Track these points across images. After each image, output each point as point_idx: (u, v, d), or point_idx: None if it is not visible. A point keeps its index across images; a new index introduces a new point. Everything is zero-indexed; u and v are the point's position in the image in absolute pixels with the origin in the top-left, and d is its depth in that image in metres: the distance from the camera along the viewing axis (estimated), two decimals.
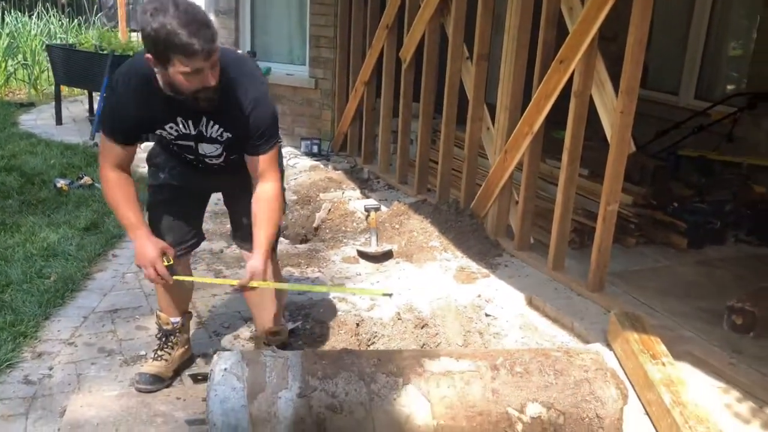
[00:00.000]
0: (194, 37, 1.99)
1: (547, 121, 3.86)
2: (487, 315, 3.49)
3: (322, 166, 5.92)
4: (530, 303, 3.62)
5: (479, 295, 3.63)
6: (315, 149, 6.39)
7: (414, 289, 3.68)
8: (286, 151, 6.43)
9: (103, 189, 2.39)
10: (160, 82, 2.16)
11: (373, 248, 4.12)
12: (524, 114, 3.93)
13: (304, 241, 4.91)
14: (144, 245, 2.35)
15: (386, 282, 3.77)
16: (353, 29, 5.88)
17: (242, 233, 2.69)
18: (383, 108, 5.53)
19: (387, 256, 4.07)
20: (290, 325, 3.15)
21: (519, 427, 2.24)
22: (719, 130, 5.26)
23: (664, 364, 2.66)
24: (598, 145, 3.98)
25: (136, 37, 10.28)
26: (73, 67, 6.77)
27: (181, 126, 2.33)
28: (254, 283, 2.36)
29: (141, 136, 2.41)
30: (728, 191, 4.71)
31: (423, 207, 4.61)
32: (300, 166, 5.94)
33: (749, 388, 2.79)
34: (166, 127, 2.33)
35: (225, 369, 2.22)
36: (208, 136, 2.37)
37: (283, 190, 2.64)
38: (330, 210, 5.02)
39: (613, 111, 3.41)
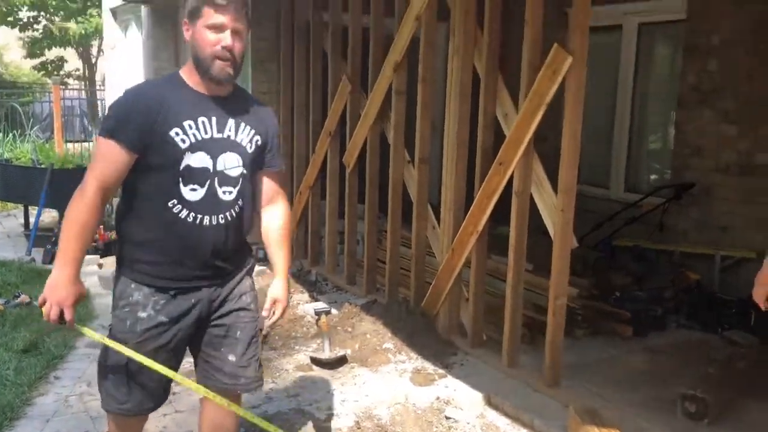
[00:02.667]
0: None
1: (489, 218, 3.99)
2: (447, 418, 3.46)
3: (269, 270, 5.88)
4: (489, 402, 3.61)
5: (438, 398, 3.60)
6: (261, 254, 6.34)
7: (371, 395, 3.63)
8: None
9: (72, 203, 2.08)
10: (190, 61, 2.21)
11: (326, 354, 4.06)
12: (468, 213, 4.06)
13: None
14: (65, 283, 2.04)
15: (342, 389, 3.70)
16: (296, 137, 6.01)
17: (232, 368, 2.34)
18: (329, 210, 5.61)
19: (341, 361, 4.01)
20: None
21: None
22: (650, 221, 5.53)
23: None
24: (538, 239, 4.12)
25: (72, 148, 10.23)
26: (9, 181, 6.65)
27: (202, 127, 2.16)
28: (184, 382, 2.17)
29: (150, 143, 2.10)
30: (666, 279, 4.90)
31: (374, 307, 4.61)
32: None
33: None
34: (185, 124, 2.13)
35: None
36: (236, 140, 2.22)
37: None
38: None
39: (553, 208, 3.57)
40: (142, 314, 2.20)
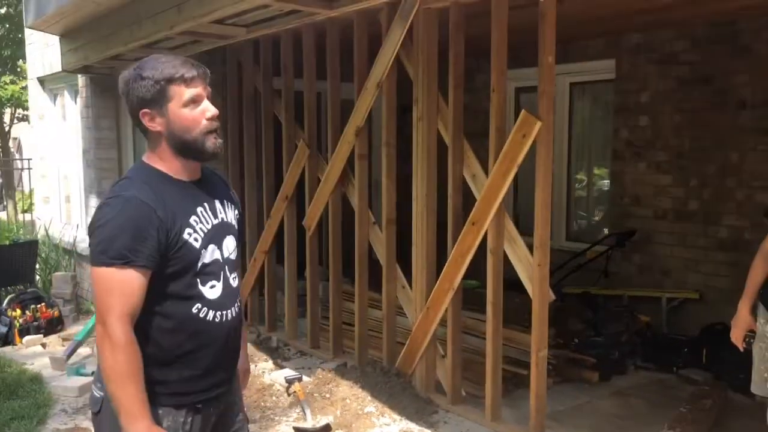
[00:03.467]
0: (186, 64, 1.93)
1: None
2: None
3: None
4: None
5: None
6: None
7: None
8: None
9: (108, 352, 1.79)
10: (165, 148, 1.95)
11: (309, 423, 4.02)
12: (443, 272, 4.17)
13: None
14: None
15: None
16: (247, 203, 6.00)
17: None
18: (288, 274, 5.60)
19: (326, 429, 3.97)
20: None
21: None
22: (595, 267, 5.82)
23: None
24: (506, 294, 4.27)
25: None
26: None
27: (203, 218, 1.98)
28: None
29: (166, 255, 1.87)
30: (620, 323, 5.15)
31: (348, 372, 4.61)
32: None
33: None
34: (192, 221, 1.94)
35: None
36: (228, 220, 2.08)
37: None
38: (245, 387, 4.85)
39: (528, 264, 3.73)
40: None
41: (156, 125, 1.94)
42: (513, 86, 6.67)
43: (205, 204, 2.01)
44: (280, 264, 5.73)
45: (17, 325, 5.81)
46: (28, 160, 10.38)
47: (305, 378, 4.69)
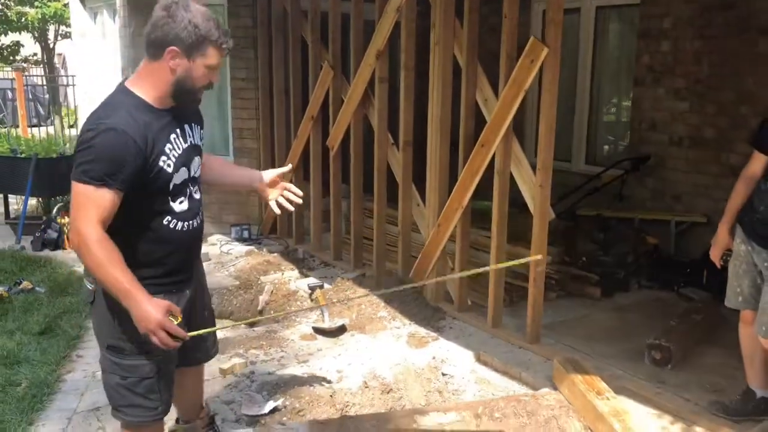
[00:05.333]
0: (226, 35, 2.20)
1: None
2: (443, 374, 3.86)
3: (256, 250, 6.19)
4: (479, 359, 4.02)
5: (433, 357, 4.00)
6: (246, 234, 6.64)
7: (374, 358, 4.00)
8: (216, 238, 6.65)
9: (85, 250, 2.08)
10: (166, 84, 2.19)
11: (327, 324, 4.42)
12: (453, 192, 4.43)
13: (251, 324, 5.13)
14: (146, 309, 2.08)
15: (346, 354, 4.07)
16: (276, 122, 6.28)
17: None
18: (313, 191, 5.92)
19: (342, 330, 4.37)
20: (271, 404, 3.39)
21: None
22: (610, 191, 6.01)
23: (608, 398, 3.12)
24: (511, 212, 4.52)
25: (38, 133, 10.22)
26: None
27: (176, 145, 2.26)
28: None
29: (143, 179, 2.16)
30: (627, 244, 5.39)
31: (365, 281, 4.98)
32: (235, 252, 6.18)
33: (677, 412, 3.30)
34: (167, 149, 2.21)
35: None
36: (196, 142, 2.37)
37: None
38: (273, 291, 5.28)
39: (531, 185, 3.97)
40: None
41: (174, 65, 2.16)
42: (541, 9, 6.70)
43: (177, 130, 2.28)
44: (307, 181, 6.05)
45: (66, 231, 6.29)
46: (73, 76, 10.77)
47: (326, 285, 5.08)
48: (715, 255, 3.26)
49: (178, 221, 2.31)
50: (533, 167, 3.99)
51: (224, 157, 6.87)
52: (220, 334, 4.38)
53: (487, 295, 4.51)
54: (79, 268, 5.73)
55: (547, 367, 3.81)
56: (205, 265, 5.81)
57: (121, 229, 2.17)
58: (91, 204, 2.08)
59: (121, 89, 2.25)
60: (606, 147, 6.84)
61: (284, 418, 3.31)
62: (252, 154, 6.65)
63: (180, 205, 2.30)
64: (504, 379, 3.83)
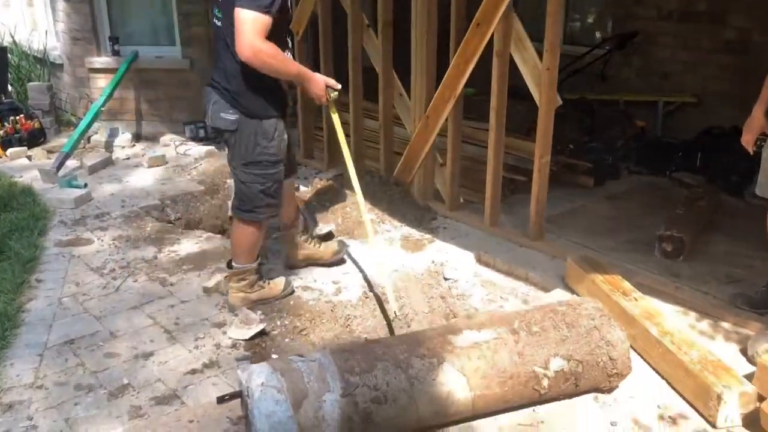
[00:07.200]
0: None
1: None
2: (446, 279, 3.60)
3: (216, 150, 5.69)
4: (479, 260, 3.77)
5: (432, 261, 3.73)
6: (201, 133, 6.10)
7: (369, 265, 3.70)
8: (170, 138, 6.10)
9: (265, 57, 2.74)
10: None
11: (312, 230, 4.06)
12: (444, 79, 4.01)
13: (222, 232, 4.74)
14: (320, 79, 3.05)
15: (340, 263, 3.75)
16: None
17: None
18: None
19: (329, 236, 4.03)
20: (261, 326, 3.06)
21: (545, 382, 2.38)
22: (592, 72, 5.68)
23: (636, 299, 2.92)
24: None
25: None
26: None
27: None
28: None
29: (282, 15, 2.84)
30: (616, 129, 5.13)
31: (347, 181, 4.58)
32: (194, 153, 5.66)
33: (700, 307, 3.14)
34: None
35: (262, 383, 2.15)
36: None
37: None
38: None
39: (535, 68, 3.58)
40: (285, 136, 3.11)
41: None
42: None
43: None
44: None
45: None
46: None
47: (302, 188, 4.69)
48: (748, 140, 3.00)
49: (288, 54, 2.98)
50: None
51: (171, 49, 6.22)
52: (195, 248, 4.02)
53: (479, 191, 4.23)
54: (21, 178, 5.16)
55: (555, 266, 3.60)
56: (162, 169, 5.38)
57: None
58: (260, 26, 2.70)
59: None
60: (585, 24, 6.43)
61: (286, 340, 3.01)
62: (202, 43, 5.99)
63: (288, 44, 3.04)
64: (509, 280, 3.60)
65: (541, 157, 3.69)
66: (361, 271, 3.63)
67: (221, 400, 2.28)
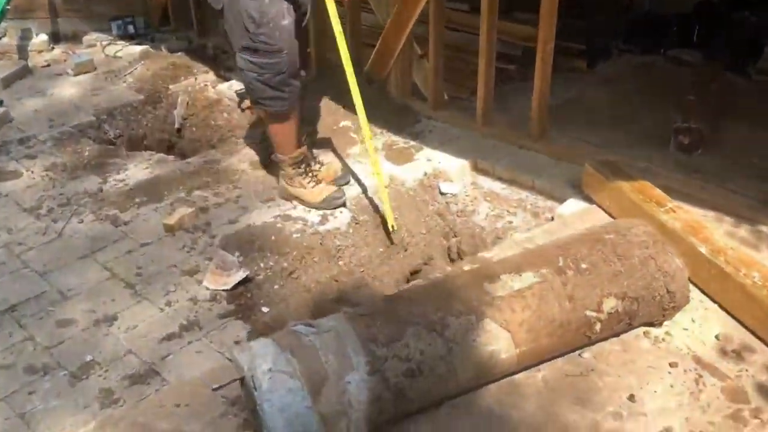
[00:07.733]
0: None
1: None
2: (442, 194, 3.18)
3: (152, 50, 4.94)
4: (476, 168, 3.35)
5: (425, 173, 3.29)
6: (131, 29, 5.29)
7: (353, 184, 3.23)
8: (95, 38, 5.28)
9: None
10: None
11: None
12: None
13: (171, 147, 4.19)
14: None
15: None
16: None
17: None
18: None
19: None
20: (242, 273, 2.60)
21: (597, 327, 2.04)
22: None
23: (674, 210, 2.55)
24: None
25: None
26: None
27: None
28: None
29: None
30: (605, 6, 4.60)
31: (308, 83, 3.99)
32: (126, 54, 4.90)
33: (733, 209, 2.80)
34: None
35: (270, 369, 1.72)
36: None
37: None
38: (188, 103, 4.27)
39: None
40: (284, 22, 2.71)
41: None
42: None
43: None
44: None
45: None
46: None
47: None
48: None
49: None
50: None
51: None
52: (145, 173, 3.46)
53: (464, 86, 3.73)
54: None
55: (562, 170, 3.19)
56: (91, 77, 4.66)
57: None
58: None
59: None
60: None
61: (275, 287, 2.56)
62: None
63: None
64: (513, 189, 3.21)
65: (545, 43, 3.18)
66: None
67: (217, 390, 1.85)
